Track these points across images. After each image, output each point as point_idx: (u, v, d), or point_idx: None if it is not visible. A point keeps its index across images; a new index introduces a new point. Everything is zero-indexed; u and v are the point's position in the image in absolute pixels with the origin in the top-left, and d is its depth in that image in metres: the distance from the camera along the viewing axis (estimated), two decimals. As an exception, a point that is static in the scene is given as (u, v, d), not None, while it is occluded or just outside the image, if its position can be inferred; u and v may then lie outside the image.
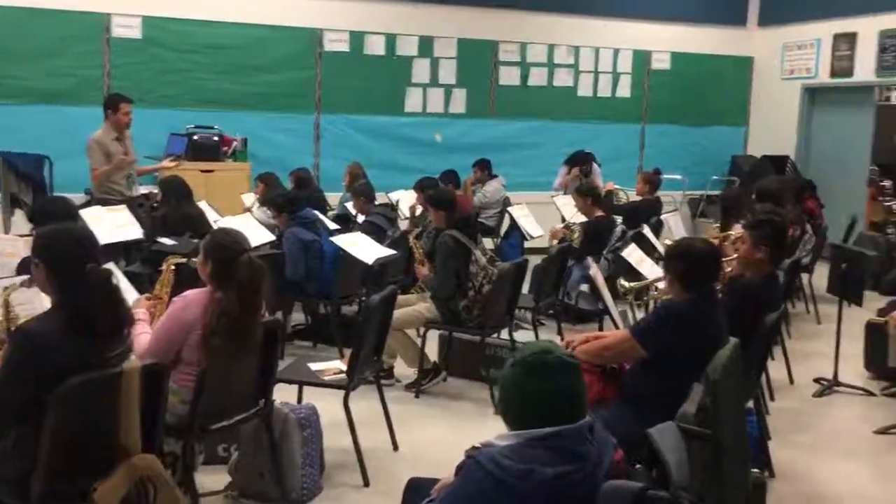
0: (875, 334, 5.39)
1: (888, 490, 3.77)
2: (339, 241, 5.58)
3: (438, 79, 9.73)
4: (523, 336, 5.62)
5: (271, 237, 5.97)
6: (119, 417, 2.55)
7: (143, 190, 7.01)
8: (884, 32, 9.54)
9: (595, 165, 8.88)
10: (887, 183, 9.16)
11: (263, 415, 3.37)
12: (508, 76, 10.03)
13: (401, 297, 5.16)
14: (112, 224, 5.36)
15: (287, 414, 3.52)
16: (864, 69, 9.83)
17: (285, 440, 3.50)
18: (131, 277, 4.07)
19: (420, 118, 9.70)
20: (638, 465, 2.04)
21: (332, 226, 6.49)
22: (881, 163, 9.56)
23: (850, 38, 9.96)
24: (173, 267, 3.54)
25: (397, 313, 4.64)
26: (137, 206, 6.28)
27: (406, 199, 7.70)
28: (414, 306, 5.08)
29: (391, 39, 9.48)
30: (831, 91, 10.39)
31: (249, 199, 7.49)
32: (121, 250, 5.53)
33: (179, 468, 3.08)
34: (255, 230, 5.82)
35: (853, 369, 5.42)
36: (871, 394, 5.15)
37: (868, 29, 9.71)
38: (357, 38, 9.33)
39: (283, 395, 3.68)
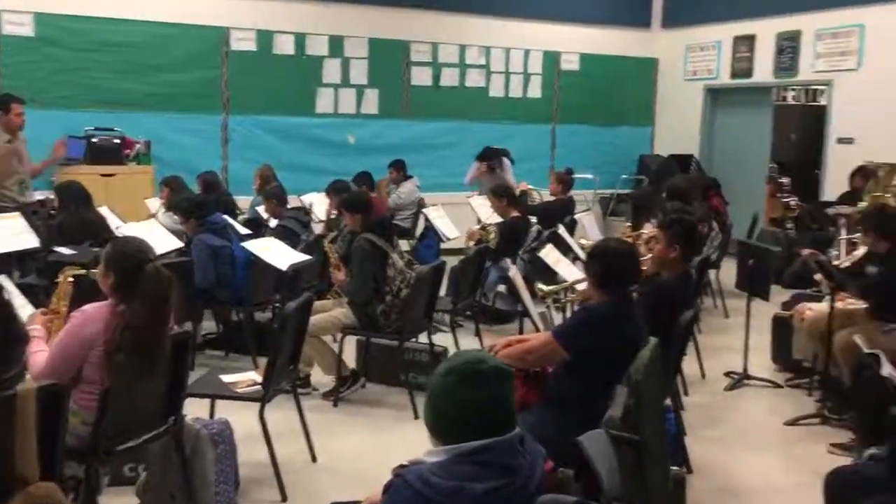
0: (781, 327, 5.57)
1: (798, 481, 3.87)
2: (250, 246, 5.41)
3: (350, 79, 9.60)
4: (442, 339, 5.57)
5: (179, 244, 5.74)
6: (14, 444, 2.35)
7: (39, 196, 6.67)
8: (780, 35, 9.93)
9: (506, 161, 8.90)
10: (785, 180, 9.56)
11: (173, 432, 3.20)
12: (421, 77, 9.98)
13: (316, 303, 5.03)
14: (5, 232, 5.04)
15: (199, 430, 3.35)
16: (763, 70, 10.20)
17: (197, 458, 3.32)
18: (26, 290, 3.85)
19: (332, 119, 9.55)
20: (561, 469, 1.99)
21: (243, 231, 6.29)
22: (779, 161, 9.97)
23: (749, 41, 10.33)
24: (71, 278, 3.32)
25: (313, 320, 4.52)
26: (32, 214, 5.95)
27: (319, 203, 7.55)
28: (330, 312, 4.96)
29: (300, 39, 9.29)
30: (732, 91, 10.74)
31: (154, 204, 7.20)
32: (14, 261, 5.22)
33: (83, 492, 2.90)
34: (162, 237, 5.60)
35: (761, 362, 5.59)
36: (778, 386, 5.31)
37: (766, 31, 10.09)
38: (265, 37, 9.11)
39: (194, 409, 3.52)
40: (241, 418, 3.63)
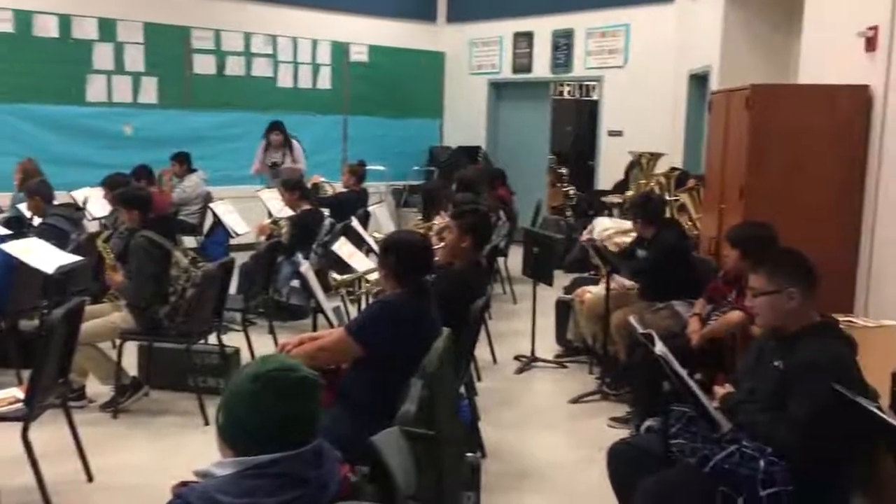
0: (563, 311, 5.88)
1: (582, 455, 4.08)
2: (9, 248, 4.85)
3: (124, 66, 8.95)
4: (233, 340, 5.34)
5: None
6: None
7: None
8: (556, 32, 10.49)
9: (296, 143, 8.65)
10: (564, 170, 10.11)
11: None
12: (203, 65, 9.52)
13: (92, 308, 4.63)
14: None
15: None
16: (541, 66, 10.73)
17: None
18: None
19: (105, 108, 8.86)
20: (352, 473, 1.93)
21: (2, 231, 5.67)
22: (558, 152, 10.53)
23: (528, 37, 10.81)
24: None
25: (86, 326, 4.14)
26: None
27: (95, 198, 6.98)
28: (107, 317, 4.59)
29: (65, 21, 8.53)
30: (514, 86, 11.21)
31: None
32: None
33: None
34: None
35: (548, 345, 5.86)
36: (563, 366, 5.59)
37: (543, 28, 10.61)
38: (23, 17, 8.27)
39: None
40: (4, 440, 3.26)
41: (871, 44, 4.44)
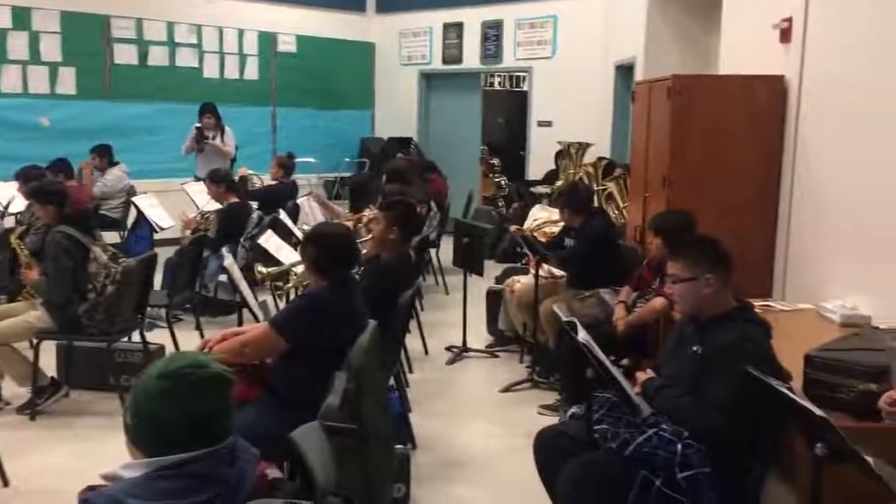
0: (494, 300, 5.91)
1: (513, 444, 4.11)
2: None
3: (41, 55, 8.62)
4: (158, 337, 5.22)
5: None
6: None
7: None
8: (485, 23, 10.52)
9: (228, 129, 8.48)
10: (495, 161, 10.16)
11: None
12: (125, 55, 9.22)
13: (7, 307, 4.52)
14: None
15: None
16: (471, 57, 10.75)
17: None
18: None
19: (20, 99, 8.51)
20: (269, 471, 1.89)
21: None
22: (489, 143, 10.58)
23: (457, 28, 10.82)
24: None
25: (1, 325, 4.00)
26: None
27: (9, 192, 6.71)
28: (22, 316, 4.42)
29: (-25, 8, 8.18)
30: (444, 77, 11.21)
31: None
32: None
33: None
34: None
35: (480, 335, 5.89)
36: (495, 356, 5.63)
37: (472, 19, 10.63)
38: (-71, 4, 7.90)
39: None
40: None
41: (785, 35, 4.56)
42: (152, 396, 1.60)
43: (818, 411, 2.10)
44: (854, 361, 2.60)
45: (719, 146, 4.64)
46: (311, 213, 7.11)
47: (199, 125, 8.26)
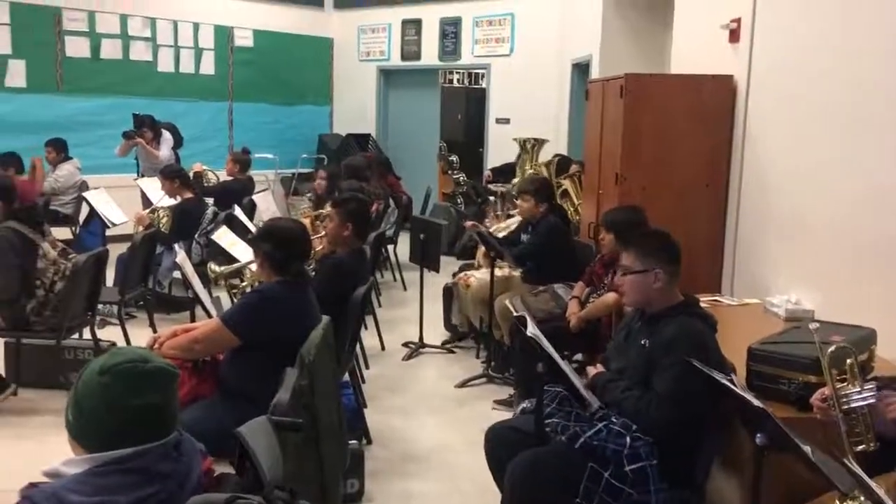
0: (449, 296, 5.93)
1: (467, 439, 4.13)
2: None
3: (-10, 48, 8.44)
4: (111, 334, 5.15)
5: None
6: None
7: None
8: (444, 20, 10.53)
9: (167, 133, 8.29)
10: (454, 158, 10.18)
11: None
12: (77, 48, 9.06)
13: (-50, 305, 4.40)
14: None
15: None
16: (430, 54, 10.76)
17: None
18: None
19: (-32, 92, 8.34)
20: (214, 467, 1.89)
21: None
22: (448, 139, 10.59)
23: (416, 24, 10.81)
24: None
25: (-56, 324, 3.91)
26: None
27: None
28: (-32, 314, 4.33)
29: (-80, -1, 7.96)
30: (403, 73, 11.20)
31: None
32: None
33: None
34: None
35: (437, 330, 5.91)
36: (451, 351, 5.66)
37: (431, 16, 10.64)
38: None
39: None
40: None
41: (734, 35, 4.66)
42: (94, 392, 1.59)
43: (757, 402, 2.16)
44: (793, 354, 2.67)
45: (670, 144, 4.71)
46: (268, 209, 7.06)
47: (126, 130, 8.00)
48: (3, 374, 4.54)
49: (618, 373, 2.84)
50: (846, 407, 2.19)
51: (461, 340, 5.77)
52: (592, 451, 2.58)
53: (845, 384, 2.23)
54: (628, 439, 2.58)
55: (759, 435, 2.18)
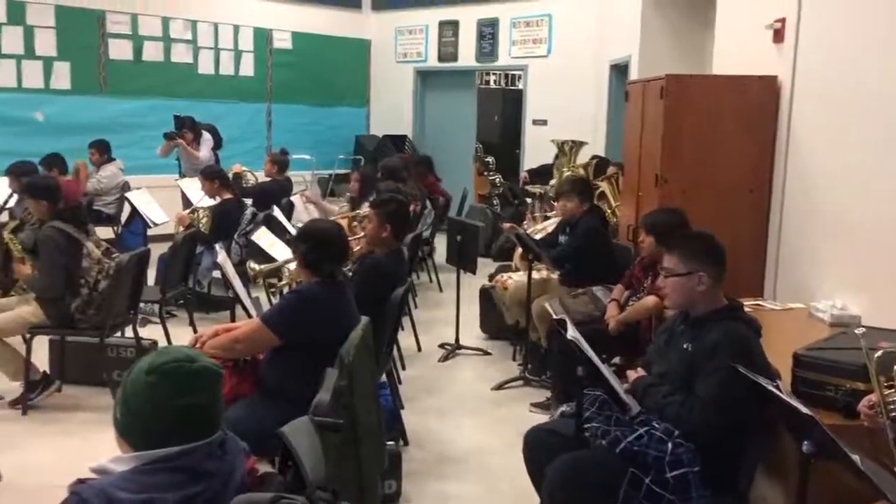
0: (486, 298, 5.92)
1: (502, 441, 4.11)
2: None
3: (35, 50, 8.60)
4: (152, 332, 5.22)
5: None
6: None
7: None
8: (481, 21, 10.52)
9: (206, 135, 8.36)
10: (490, 159, 10.16)
11: None
12: (120, 50, 9.21)
13: (-1, 302, 4.51)
14: None
15: None
16: (467, 55, 10.76)
17: None
18: None
19: (14, 94, 8.49)
20: (258, 466, 1.90)
21: None
22: (484, 141, 10.59)
23: (453, 26, 10.82)
24: None
25: (-7, 321, 4.00)
26: None
27: (3, 188, 6.70)
28: (15, 311, 4.43)
29: (-30, 3, 8.15)
30: (440, 74, 11.21)
31: None
32: None
33: None
34: None
35: (473, 332, 5.90)
36: (487, 353, 5.64)
37: (468, 17, 10.63)
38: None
39: None
40: None
41: (778, 35, 4.58)
42: (141, 391, 1.61)
43: (805, 409, 2.11)
44: (840, 360, 2.61)
45: (711, 146, 4.65)
46: (306, 210, 7.11)
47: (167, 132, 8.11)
48: (48, 371, 4.62)
49: (658, 377, 2.80)
50: (894, 414, 2.14)
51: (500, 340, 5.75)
52: (633, 456, 2.55)
53: (893, 391, 2.18)
54: (670, 445, 2.54)
55: (805, 442, 2.14)
